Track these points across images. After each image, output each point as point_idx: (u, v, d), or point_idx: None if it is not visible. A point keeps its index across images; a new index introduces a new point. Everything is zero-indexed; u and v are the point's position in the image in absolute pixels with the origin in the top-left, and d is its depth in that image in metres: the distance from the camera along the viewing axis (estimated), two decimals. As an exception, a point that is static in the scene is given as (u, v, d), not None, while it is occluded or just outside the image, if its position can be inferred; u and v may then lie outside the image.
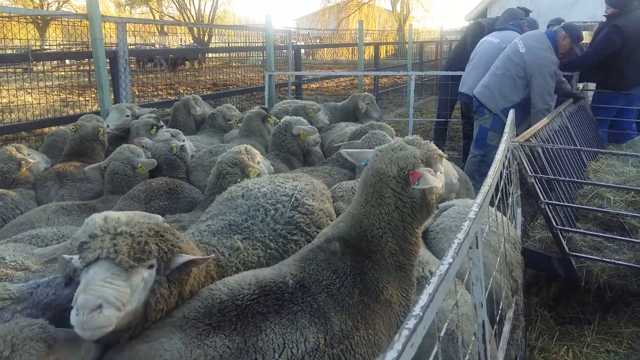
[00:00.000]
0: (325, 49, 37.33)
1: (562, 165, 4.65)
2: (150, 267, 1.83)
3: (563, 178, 4.12)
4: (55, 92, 11.31)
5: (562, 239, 3.88)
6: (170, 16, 41.13)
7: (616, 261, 3.79)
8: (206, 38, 34.73)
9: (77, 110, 8.49)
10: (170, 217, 3.19)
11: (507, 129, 3.94)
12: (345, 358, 1.94)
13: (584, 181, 4.60)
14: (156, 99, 17.43)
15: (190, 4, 38.88)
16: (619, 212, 3.93)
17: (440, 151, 2.43)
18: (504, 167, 3.78)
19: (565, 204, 4.06)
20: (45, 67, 9.48)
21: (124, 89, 6.40)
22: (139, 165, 4.07)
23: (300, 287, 2.05)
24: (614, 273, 3.87)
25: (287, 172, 3.98)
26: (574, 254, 3.91)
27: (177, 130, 4.66)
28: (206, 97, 12.06)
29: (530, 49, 5.61)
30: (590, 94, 7.65)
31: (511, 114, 4.23)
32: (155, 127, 5.09)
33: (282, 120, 4.80)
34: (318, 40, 45.72)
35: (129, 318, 1.77)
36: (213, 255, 2.16)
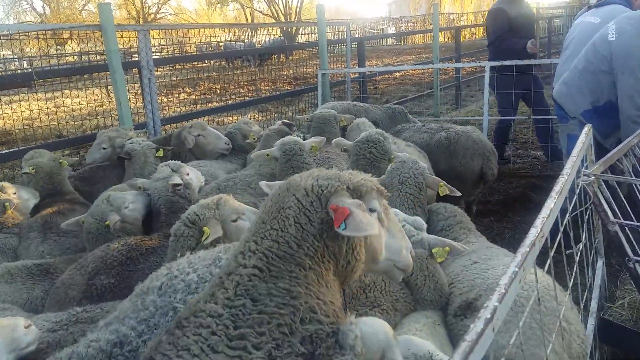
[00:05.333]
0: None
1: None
2: None
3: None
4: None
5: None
6: (259, 11, 41.50)
7: None
8: (294, 31, 34.41)
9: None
10: (86, 310, 2.41)
11: (575, 151, 2.78)
12: None
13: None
14: (235, 97, 17.48)
15: (277, -3, 38.83)
16: None
17: (383, 189, 1.80)
18: (570, 208, 2.66)
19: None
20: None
21: (149, 102, 5.90)
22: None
23: None
24: None
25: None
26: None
27: (179, 162, 3.87)
28: (267, 98, 11.71)
29: (622, 36, 4.10)
30: None
31: (587, 129, 3.02)
32: (161, 149, 4.45)
33: (281, 144, 3.96)
34: (410, 25, 43.94)
35: None
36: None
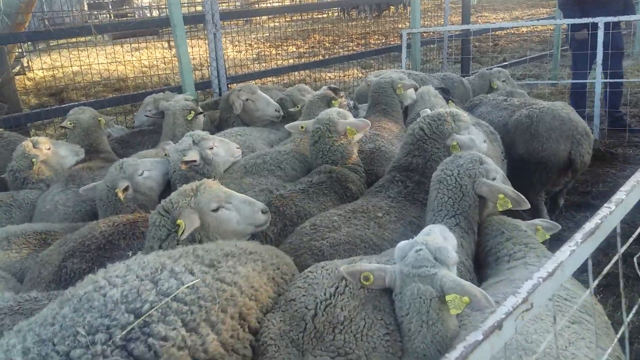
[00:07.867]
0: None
1: None
2: None
3: None
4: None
5: None
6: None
7: None
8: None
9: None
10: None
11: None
12: None
13: None
14: (342, 51, 16.83)
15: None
16: None
17: None
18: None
19: None
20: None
21: (215, 60, 5.65)
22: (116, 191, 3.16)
23: None
24: None
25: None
26: None
27: (204, 133, 3.56)
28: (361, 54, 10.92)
29: None
30: None
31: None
32: (193, 111, 4.19)
33: (316, 121, 3.47)
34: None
35: None
36: None
